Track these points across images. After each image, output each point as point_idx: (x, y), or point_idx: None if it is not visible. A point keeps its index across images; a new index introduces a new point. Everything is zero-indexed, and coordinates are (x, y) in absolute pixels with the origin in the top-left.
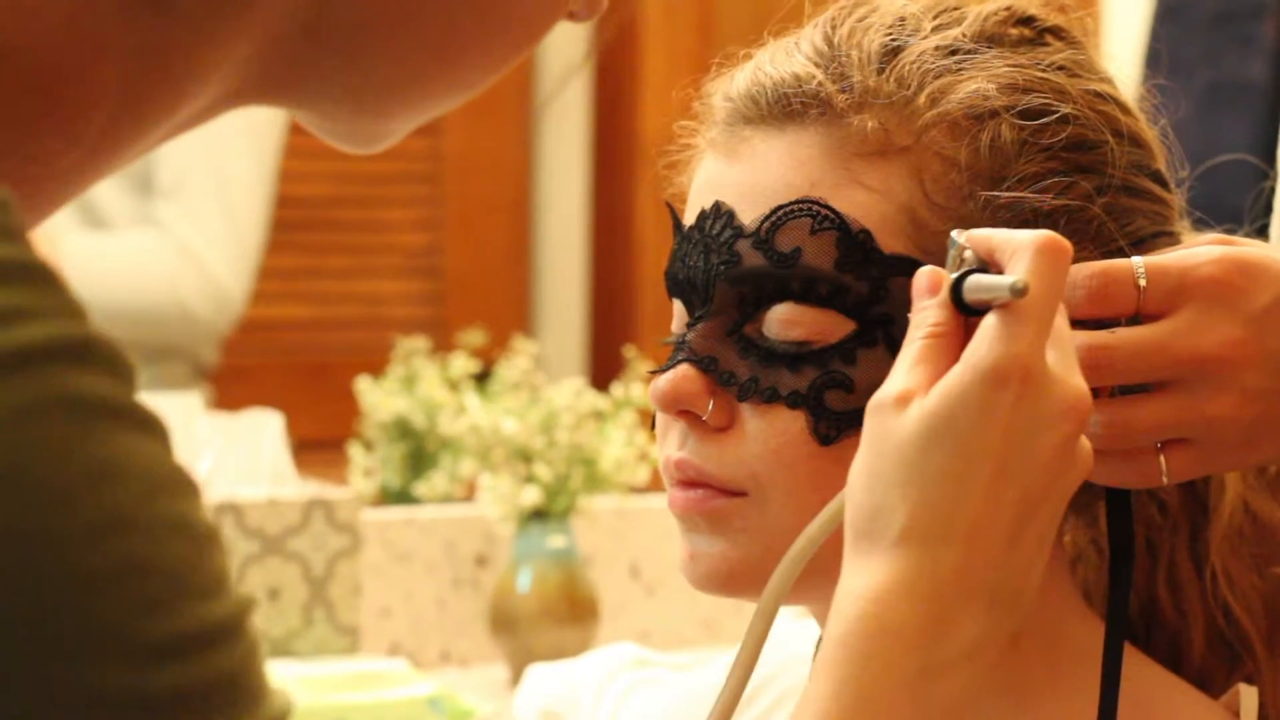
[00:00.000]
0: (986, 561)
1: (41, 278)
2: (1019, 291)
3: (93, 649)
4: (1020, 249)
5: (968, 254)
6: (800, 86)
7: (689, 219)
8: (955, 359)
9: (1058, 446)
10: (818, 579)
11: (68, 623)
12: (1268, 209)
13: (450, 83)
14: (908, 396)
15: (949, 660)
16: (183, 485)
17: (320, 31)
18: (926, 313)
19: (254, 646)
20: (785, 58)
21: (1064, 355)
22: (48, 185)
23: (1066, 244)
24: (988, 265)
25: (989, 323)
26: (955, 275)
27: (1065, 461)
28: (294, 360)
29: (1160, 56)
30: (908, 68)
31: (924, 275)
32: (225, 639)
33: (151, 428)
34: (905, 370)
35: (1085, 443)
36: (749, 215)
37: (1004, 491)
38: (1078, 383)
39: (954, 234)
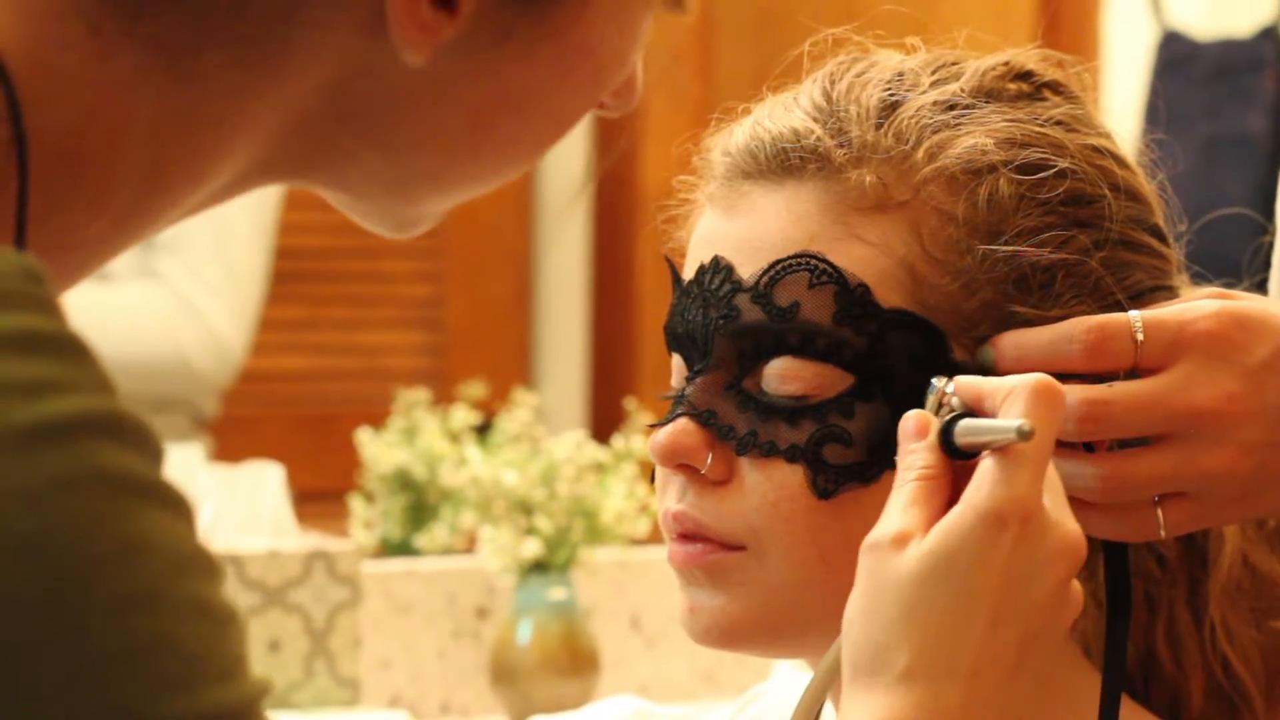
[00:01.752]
0: (988, 700)
1: (75, 351)
2: (1026, 435)
3: None
4: (1015, 392)
5: (954, 400)
6: (799, 141)
7: (688, 273)
8: (945, 500)
9: (1054, 587)
10: (815, 631)
11: (85, 697)
12: (1266, 263)
13: (478, 173)
14: (905, 537)
15: None
16: (206, 566)
17: (347, 113)
18: (915, 455)
19: None
20: (784, 113)
21: (1057, 497)
22: (73, 256)
23: (1059, 387)
24: (973, 410)
25: (988, 465)
26: (945, 420)
27: (1061, 602)
28: (295, 412)
29: (1160, 110)
30: (906, 123)
31: (911, 419)
32: None
33: (178, 507)
34: (899, 511)
35: (1077, 586)
36: (747, 270)
37: (1004, 631)
38: (1073, 526)
39: (934, 380)
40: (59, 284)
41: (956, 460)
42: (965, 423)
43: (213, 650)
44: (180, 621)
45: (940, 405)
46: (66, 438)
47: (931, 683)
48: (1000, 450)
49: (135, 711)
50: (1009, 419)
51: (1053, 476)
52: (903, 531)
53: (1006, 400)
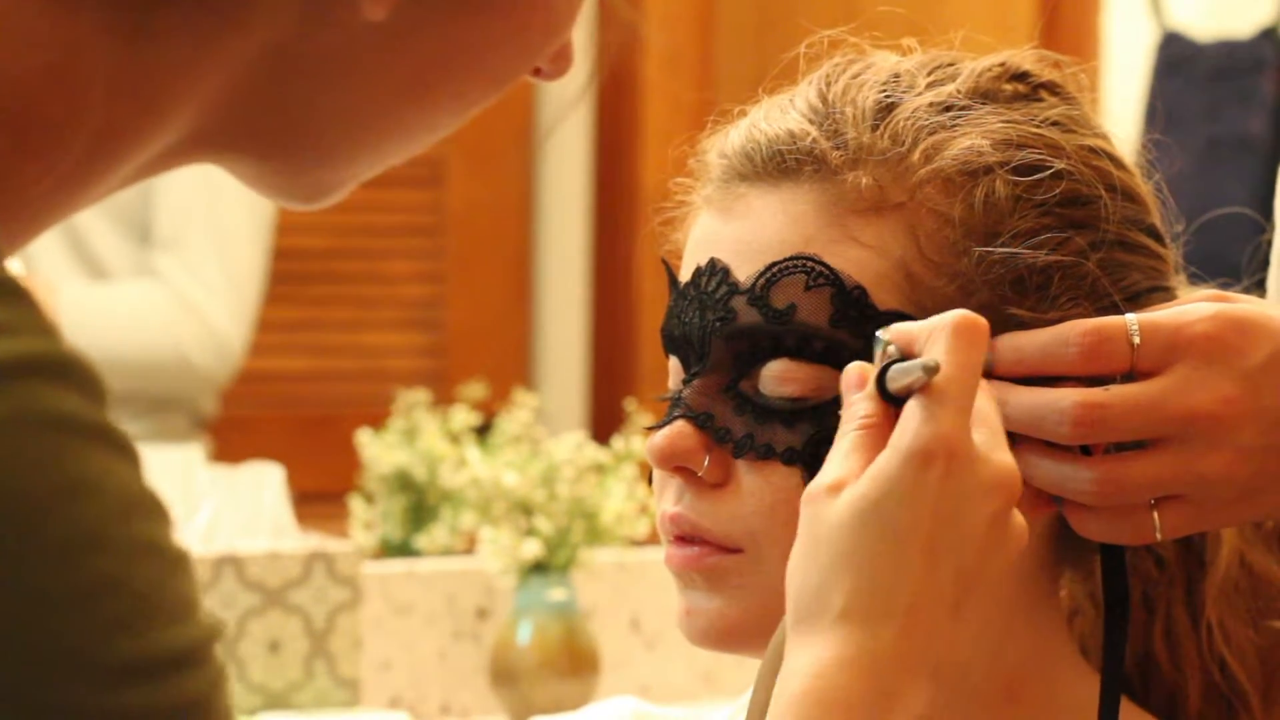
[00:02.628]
0: (927, 636)
1: (16, 294)
2: (931, 370)
3: (58, 667)
4: (935, 331)
5: (891, 348)
6: (795, 143)
7: (684, 276)
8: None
9: (988, 522)
10: None
11: (33, 639)
12: (1265, 263)
13: (414, 128)
14: (839, 485)
15: None
16: (154, 508)
17: (296, 70)
18: (856, 406)
19: (221, 675)
20: (780, 115)
21: (992, 433)
22: (20, 213)
23: (981, 321)
24: (908, 356)
25: (910, 406)
26: (880, 367)
27: (998, 537)
28: (294, 413)
29: (1160, 111)
30: (902, 124)
31: (851, 371)
32: (192, 664)
33: (124, 449)
34: (838, 461)
35: (1018, 520)
36: (744, 272)
37: (938, 568)
38: (1005, 459)
39: (879, 332)
40: (4, 244)
41: (897, 408)
42: (894, 367)
43: (163, 591)
44: (129, 562)
45: (885, 357)
46: (10, 379)
47: (867, 622)
48: (923, 390)
49: (86, 653)
50: (925, 358)
51: (987, 411)
52: (838, 480)
53: (929, 340)
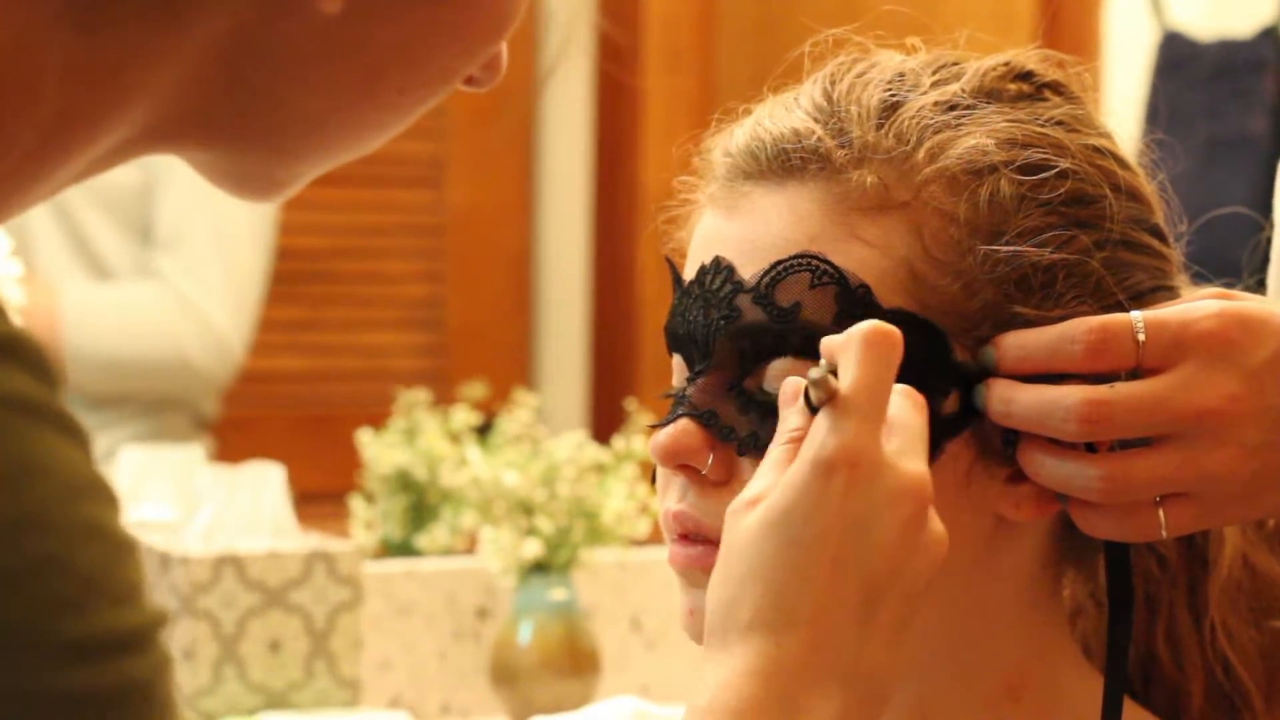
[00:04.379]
0: (835, 645)
1: None
2: (816, 382)
3: (3, 646)
4: (848, 342)
5: (824, 362)
6: (800, 142)
7: (689, 274)
8: None
9: (898, 530)
10: None
11: None
12: (1265, 261)
13: (364, 124)
14: (758, 499)
15: None
16: (102, 492)
17: (249, 62)
18: (787, 420)
19: (165, 661)
20: (784, 113)
21: (908, 441)
22: None
23: (892, 331)
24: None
25: (818, 418)
26: (809, 381)
27: (909, 545)
28: (295, 412)
29: (1160, 111)
30: (907, 123)
31: (788, 385)
32: (137, 647)
33: (74, 432)
34: (761, 475)
35: (937, 527)
36: (748, 270)
37: (845, 577)
38: (915, 468)
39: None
40: None
41: None
42: (810, 380)
43: (108, 573)
44: (74, 543)
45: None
46: None
47: (773, 632)
48: (830, 401)
49: (29, 632)
50: (817, 369)
51: (906, 419)
52: (758, 494)
53: (843, 352)
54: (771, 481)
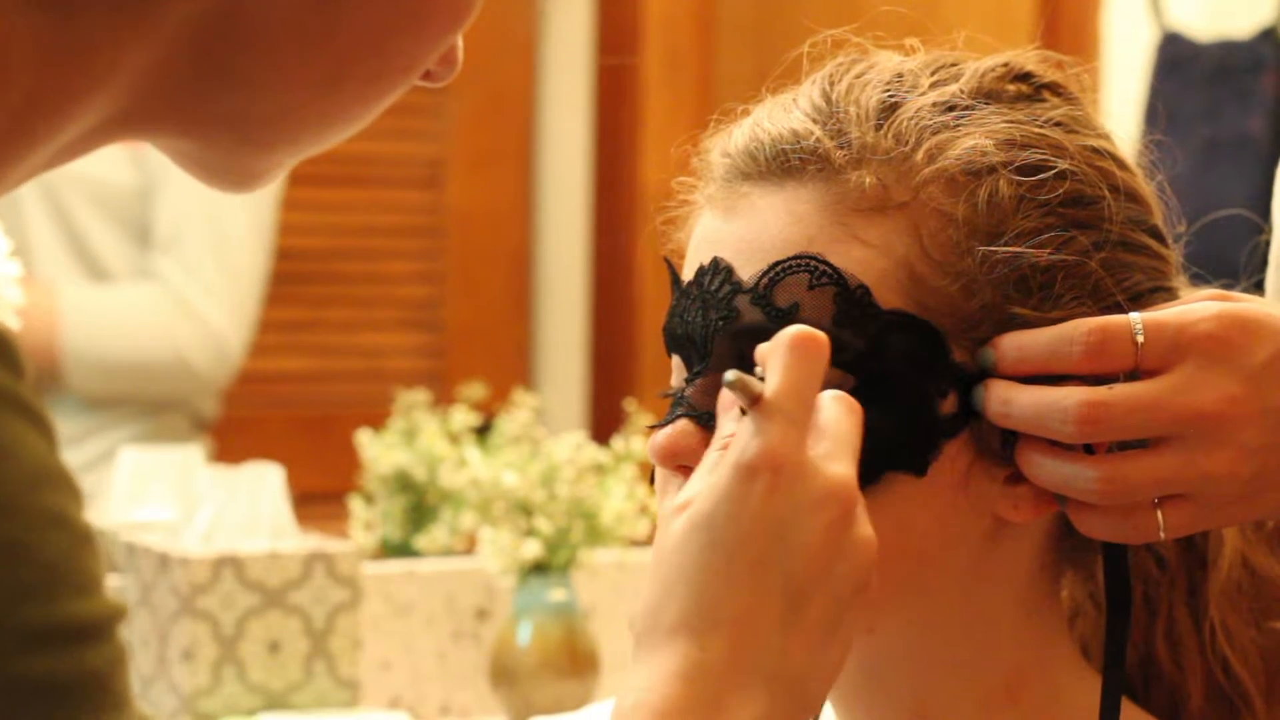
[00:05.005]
0: (758, 646)
1: None
2: (730, 384)
3: None
4: (774, 347)
5: (759, 369)
6: (798, 143)
7: (687, 275)
8: None
9: (821, 533)
10: None
11: None
12: (1264, 263)
13: (332, 111)
14: (686, 504)
15: None
16: (65, 483)
17: (218, 48)
18: (722, 426)
19: (123, 654)
20: (783, 114)
21: (835, 445)
22: None
23: (817, 336)
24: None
25: (743, 422)
26: (724, 385)
27: (833, 548)
28: (294, 413)
29: (1160, 111)
30: (905, 124)
31: (726, 393)
32: (95, 638)
33: (39, 422)
34: (693, 480)
35: (864, 530)
36: (747, 271)
37: (767, 579)
38: (840, 471)
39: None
40: None
41: None
42: (737, 387)
43: (70, 563)
44: (37, 531)
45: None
46: None
47: (694, 634)
48: (754, 405)
49: None
50: (729, 374)
51: (835, 423)
52: (687, 499)
53: (769, 358)
54: (700, 486)
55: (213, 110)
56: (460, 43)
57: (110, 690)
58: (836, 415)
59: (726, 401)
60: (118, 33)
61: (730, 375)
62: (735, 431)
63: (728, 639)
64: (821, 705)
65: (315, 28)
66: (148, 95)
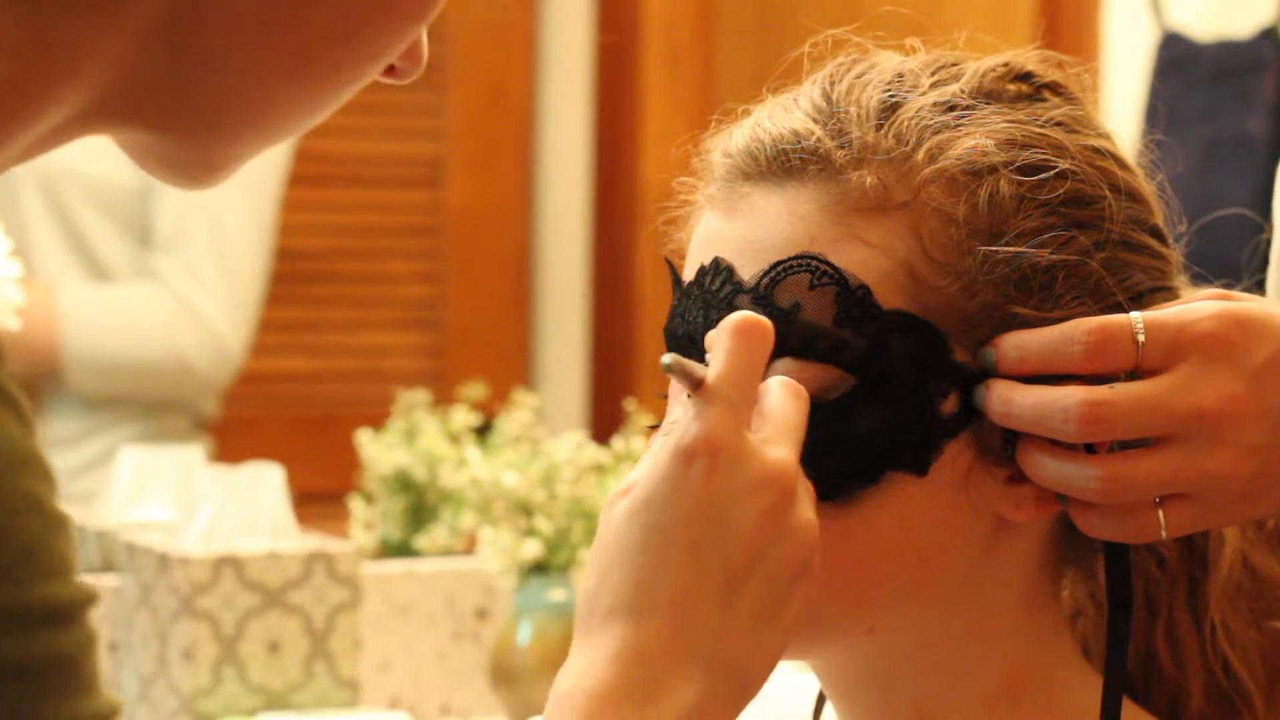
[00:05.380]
0: (695, 629)
1: None
2: (667, 368)
3: None
4: (717, 334)
5: (709, 355)
6: (799, 143)
7: (688, 275)
8: None
9: (760, 517)
10: (816, 633)
11: None
12: (1264, 263)
13: (297, 100)
14: (628, 490)
15: None
16: (42, 469)
17: (183, 38)
18: (671, 412)
19: (93, 638)
20: (784, 114)
21: (777, 429)
22: None
23: (760, 321)
24: None
25: (685, 406)
26: (662, 367)
27: (770, 532)
28: (295, 413)
29: (1160, 111)
30: (906, 124)
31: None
32: (67, 622)
33: (17, 408)
34: (638, 466)
35: (804, 515)
36: (748, 271)
37: (704, 562)
38: (779, 455)
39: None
40: None
41: None
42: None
43: (44, 547)
44: (12, 515)
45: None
46: None
47: (630, 615)
48: (696, 390)
49: None
50: (666, 357)
51: (778, 408)
52: (628, 485)
53: (714, 343)
54: (640, 471)
55: (183, 98)
56: (424, 39)
57: (80, 673)
58: (781, 400)
59: (677, 388)
60: (90, 22)
61: (668, 359)
62: (678, 417)
63: (664, 621)
64: (759, 689)
65: (282, 14)
66: (121, 85)
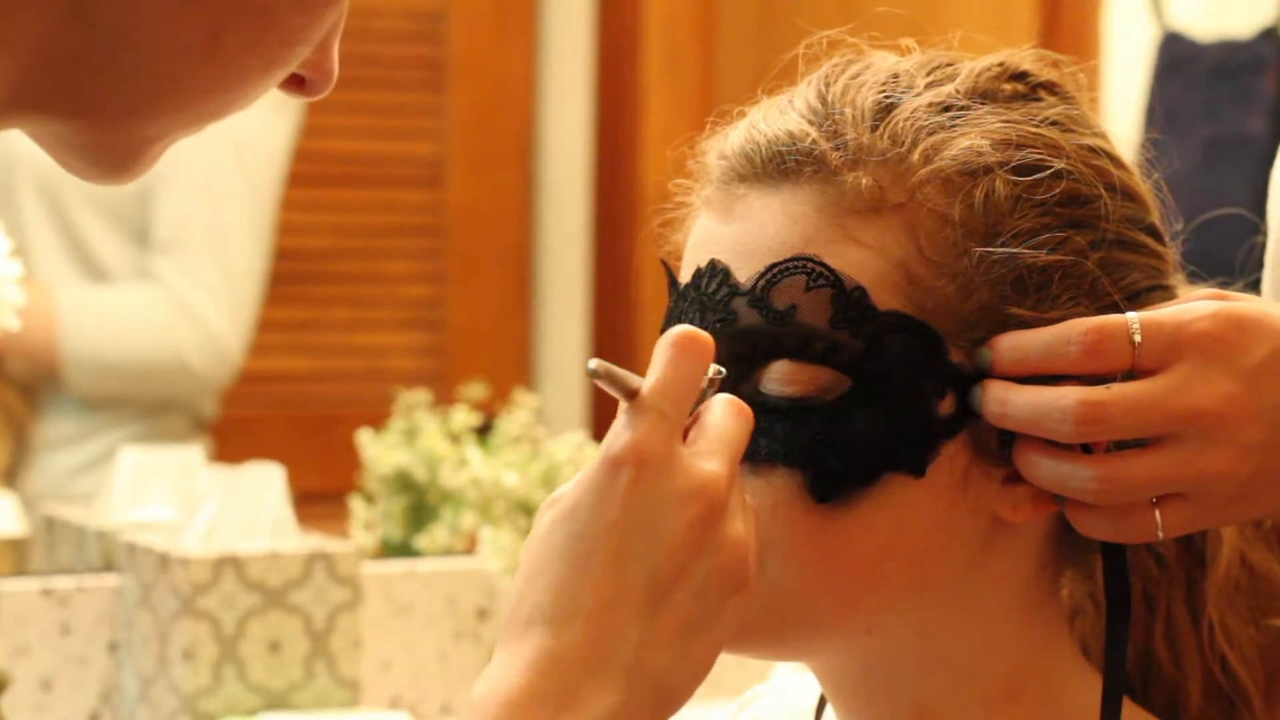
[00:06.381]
0: (615, 639)
1: None
2: (591, 373)
3: None
4: (658, 346)
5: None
6: (794, 144)
7: (684, 277)
8: None
9: (686, 529)
10: (815, 634)
11: None
12: (1260, 263)
13: (215, 84)
14: (559, 499)
15: None
16: None
17: (92, 17)
18: (616, 423)
19: None
20: (779, 115)
21: (711, 443)
22: None
23: (698, 335)
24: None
25: (618, 417)
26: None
27: (696, 545)
28: (295, 413)
29: (1160, 111)
30: (901, 124)
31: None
32: None
33: None
34: (576, 476)
35: (734, 530)
36: (744, 273)
37: (627, 572)
38: (709, 468)
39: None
40: None
41: None
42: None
43: None
44: None
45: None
46: None
47: (552, 625)
48: (629, 401)
49: None
50: (592, 363)
51: (715, 424)
52: (561, 495)
53: (654, 356)
54: (572, 481)
55: (98, 77)
56: (335, 56)
57: None
58: (721, 416)
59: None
60: (6, 13)
61: (593, 364)
62: None
63: (583, 630)
64: (683, 702)
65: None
66: (34, 71)
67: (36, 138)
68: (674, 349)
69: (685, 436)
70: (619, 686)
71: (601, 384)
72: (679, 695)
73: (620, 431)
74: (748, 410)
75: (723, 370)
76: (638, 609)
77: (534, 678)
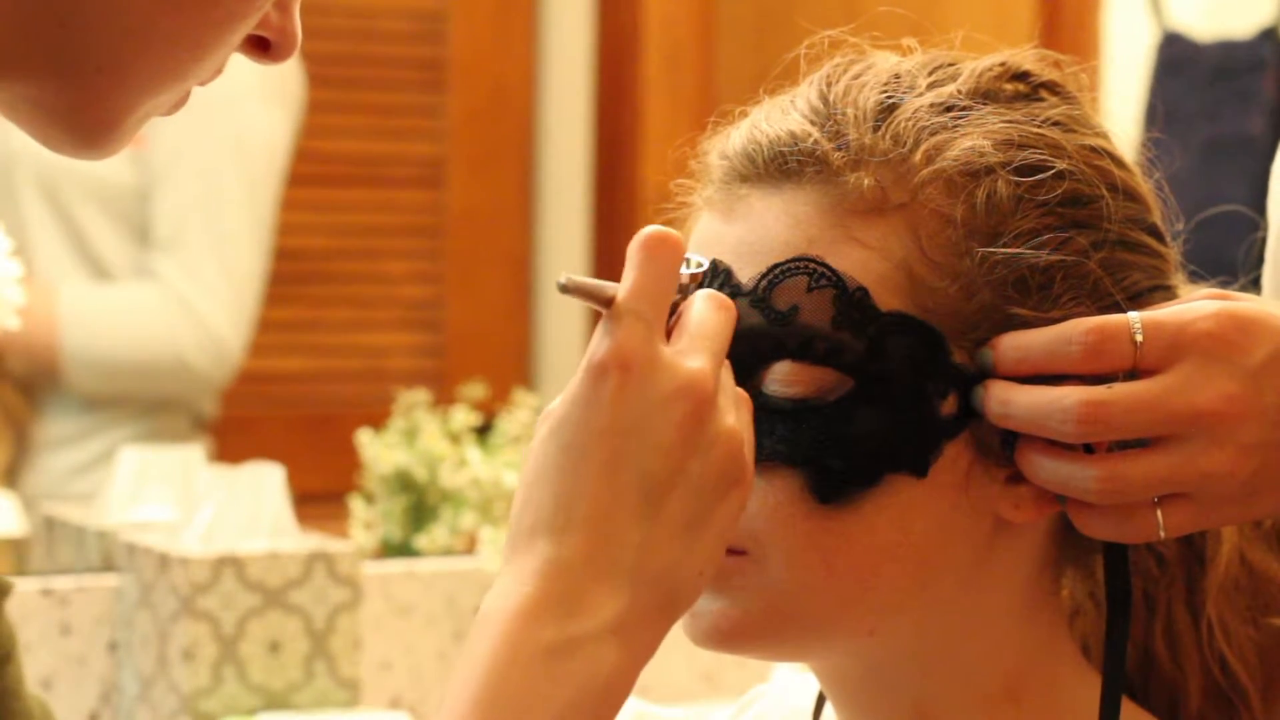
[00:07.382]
0: (616, 543)
1: None
2: (561, 288)
3: None
4: (629, 250)
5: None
6: (796, 145)
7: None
8: None
9: (676, 429)
10: (816, 635)
11: None
12: (1260, 262)
13: (179, 38)
14: (552, 411)
15: (588, 635)
16: None
17: None
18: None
19: (11, 633)
20: (781, 116)
21: (693, 340)
22: None
23: (668, 234)
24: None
25: (598, 326)
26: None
27: (688, 443)
28: (295, 413)
29: (1160, 111)
30: (903, 125)
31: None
32: None
33: None
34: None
35: (724, 424)
36: (746, 274)
37: (622, 477)
38: (693, 365)
39: None
40: None
41: None
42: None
43: None
44: None
45: None
46: None
47: (553, 533)
48: (606, 307)
49: None
50: (562, 276)
51: (697, 320)
52: (552, 408)
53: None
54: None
55: (67, 33)
56: (297, 18)
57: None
58: (702, 311)
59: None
60: None
61: (562, 279)
62: None
63: (584, 536)
64: (692, 602)
65: None
66: (4, 27)
67: (14, 112)
68: (643, 250)
69: (669, 337)
70: (624, 588)
71: (575, 297)
72: (686, 593)
73: (601, 339)
74: (729, 303)
75: (704, 263)
76: (636, 511)
77: (540, 585)
